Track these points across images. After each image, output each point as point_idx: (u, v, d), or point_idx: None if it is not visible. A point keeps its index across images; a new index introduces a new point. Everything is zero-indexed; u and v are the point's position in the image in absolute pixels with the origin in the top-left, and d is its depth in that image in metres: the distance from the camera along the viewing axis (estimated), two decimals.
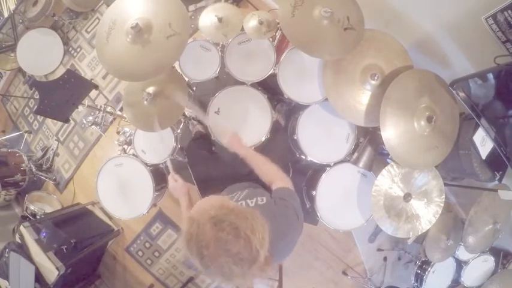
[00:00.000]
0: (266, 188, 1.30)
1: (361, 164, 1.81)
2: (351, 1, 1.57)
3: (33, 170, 2.79)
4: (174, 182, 1.33)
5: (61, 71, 2.79)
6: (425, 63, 1.74)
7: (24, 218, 2.59)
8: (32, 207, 2.61)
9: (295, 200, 1.12)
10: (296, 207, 1.08)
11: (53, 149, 2.93)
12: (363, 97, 1.65)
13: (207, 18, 1.78)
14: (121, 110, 2.38)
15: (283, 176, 1.22)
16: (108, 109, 2.09)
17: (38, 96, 1.86)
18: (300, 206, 1.11)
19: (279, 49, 1.93)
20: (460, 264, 2.24)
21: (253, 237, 0.76)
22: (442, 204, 1.74)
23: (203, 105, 1.85)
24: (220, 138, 1.37)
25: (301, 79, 1.80)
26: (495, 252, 2.28)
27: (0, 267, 2.15)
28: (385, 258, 2.54)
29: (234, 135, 1.38)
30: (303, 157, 1.86)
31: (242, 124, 1.83)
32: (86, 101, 1.92)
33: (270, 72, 1.82)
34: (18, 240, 2.23)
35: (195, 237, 0.77)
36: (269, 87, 1.95)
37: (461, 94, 1.51)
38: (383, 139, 1.54)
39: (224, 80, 2.00)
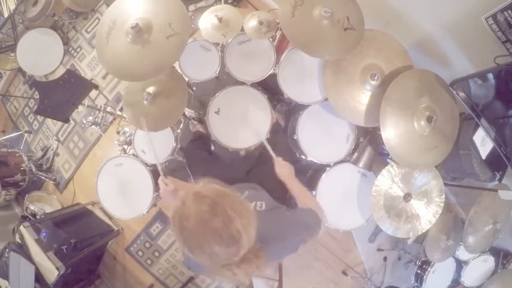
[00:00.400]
0: (268, 190, 1.30)
1: (361, 164, 1.81)
2: (351, 1, 1.57)
3: (33, 170, 2.79)
4: (165, 186, 1.25)
5: (61, 71, 2.78)
6: (425, 63, 1.74)
7: (24, 218, 2.58)
8: (32, 207, 2.61)
9: (313, 229, 1.11)
10: (309, 224, 1.09)
11: (53, 149, 2.93)
12: (363, 97, 1.65)
13: (207, 19, 1.78)
14: (121, 110, 2.38)
15: (320, 207, 1.24)
16: (108, 109, 2.09)
17: (38, 96, 1.86)
18: (317, 226, 1.12)
19: (279, 49, 1.93)
20: (460, 264, 2.24)
21: (234, 217, 0.76)
22: (442, 204, 1.74)
23: (203, 105, 1.85)
24: (276, 167, 1.37)
25: (301, 79, 1.80)
26: (495, 252, 2.28)
27: (0, 267, 2.15)
28: (385, 258, 2.54)
29: (291, 168, 1.36)
30: (303, 157, 1.86)
31: (242, 124, 1.83)
32: (86, 101, 1.92)
33: (270, 72, 1.82)
34: (18, 240, 2.23)
35: (179, 211, 0.78)
36: (269, 87, 1.95)
37: (461, 94, 1.51)
38: (383, 139, 1.54)
39: (224, 80, 2.00)
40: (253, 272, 0.85)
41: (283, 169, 1.34)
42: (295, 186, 1.32)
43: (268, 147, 1.43)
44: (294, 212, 1.15)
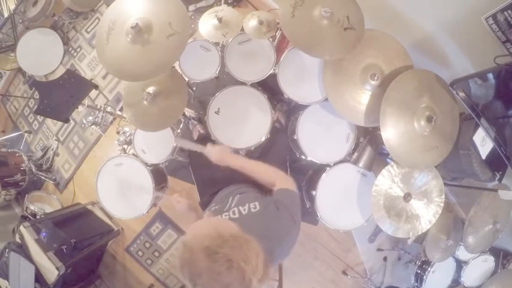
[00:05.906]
0: (259, 187, 1.29)
1: (361, 164, 1.81)
2: (351, 1, 1.57)
3: (33, 170, 2.80)
4: (178, 203, 1.32)
5: (61, 71, 2.78)
6: (425, 63, 1.74)
7: (24, 218, 2.59)
8: (32, 207, 2.62)
9: (294, 202, 1.10)
10: (292, 212, 1.05)
11: (53, 149, 2.94)
12: (363, 97, 1.65)
13: (207, 19, 1.78)
14: (121, 110, 2.38)
15: (283, 176, 1.20)
16: (108, 109, 2.09)
17: (38, 96, 1.86)
18: (300, 209, 1.09)
19: (279, 49, 1.93)
20: (460, 264, 2.24)
21: (246, 268, 0.76)
22: (442, 204, 1.73)
23: (203, 105, 1.85)
24: (210, 157, 1.39)
25: (301, 79, 1.80)
26: (495, 252, 2.28)
27: (0, 267, 2.15)
28: (385, 258, 2.54)
29: (223, 149, 1.38)
30: (303, 157, 1.86)
31: (242, 124, 1.83)
32: (86, 101, 1.92)
33: (270, 72, 1.82)
34: (18, 240, 2.23)
35: (187, 264, 0.78)
36: (269, 87, 1.95)
37: (461, 94, 1.51)
38: (383, 139, 1.54)
39: (224, 80, 2.00)
40: (264, 283, 0.86)
41: (217, 154, 1.35)
42: (241, 163, 1.31)
43: (188, 145, 1.47)
44: (274, 206, 1.08)
